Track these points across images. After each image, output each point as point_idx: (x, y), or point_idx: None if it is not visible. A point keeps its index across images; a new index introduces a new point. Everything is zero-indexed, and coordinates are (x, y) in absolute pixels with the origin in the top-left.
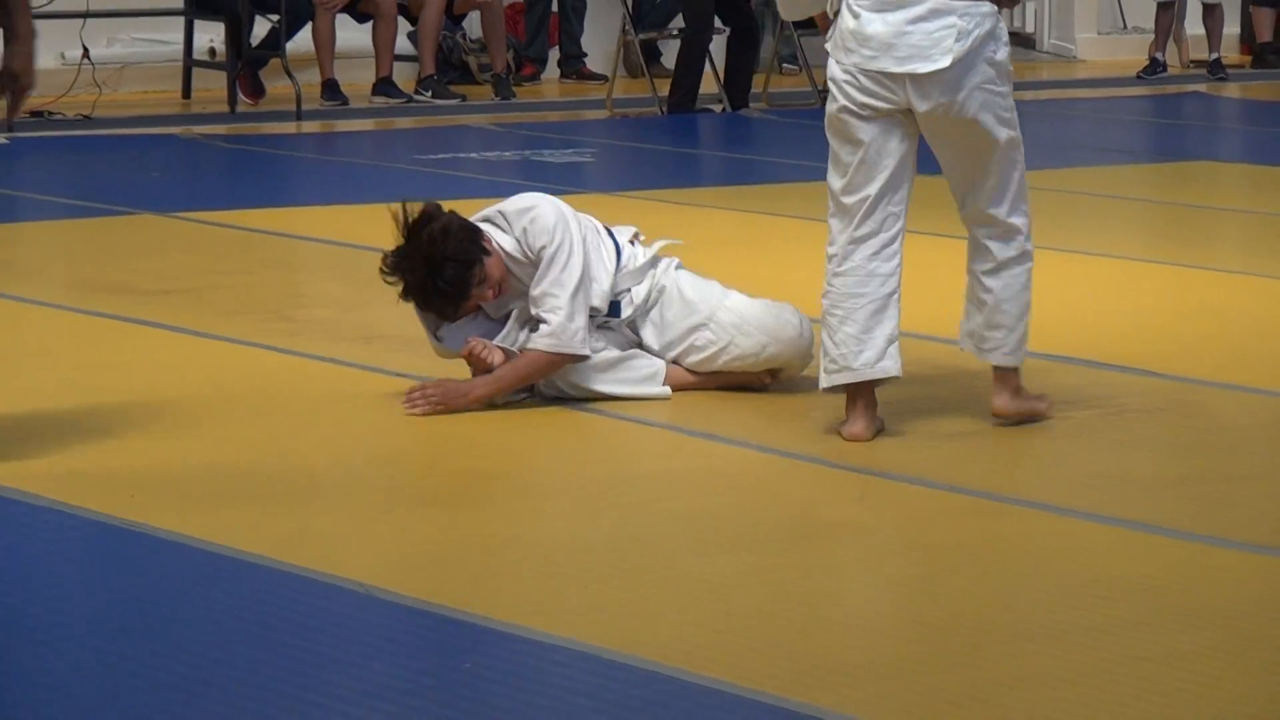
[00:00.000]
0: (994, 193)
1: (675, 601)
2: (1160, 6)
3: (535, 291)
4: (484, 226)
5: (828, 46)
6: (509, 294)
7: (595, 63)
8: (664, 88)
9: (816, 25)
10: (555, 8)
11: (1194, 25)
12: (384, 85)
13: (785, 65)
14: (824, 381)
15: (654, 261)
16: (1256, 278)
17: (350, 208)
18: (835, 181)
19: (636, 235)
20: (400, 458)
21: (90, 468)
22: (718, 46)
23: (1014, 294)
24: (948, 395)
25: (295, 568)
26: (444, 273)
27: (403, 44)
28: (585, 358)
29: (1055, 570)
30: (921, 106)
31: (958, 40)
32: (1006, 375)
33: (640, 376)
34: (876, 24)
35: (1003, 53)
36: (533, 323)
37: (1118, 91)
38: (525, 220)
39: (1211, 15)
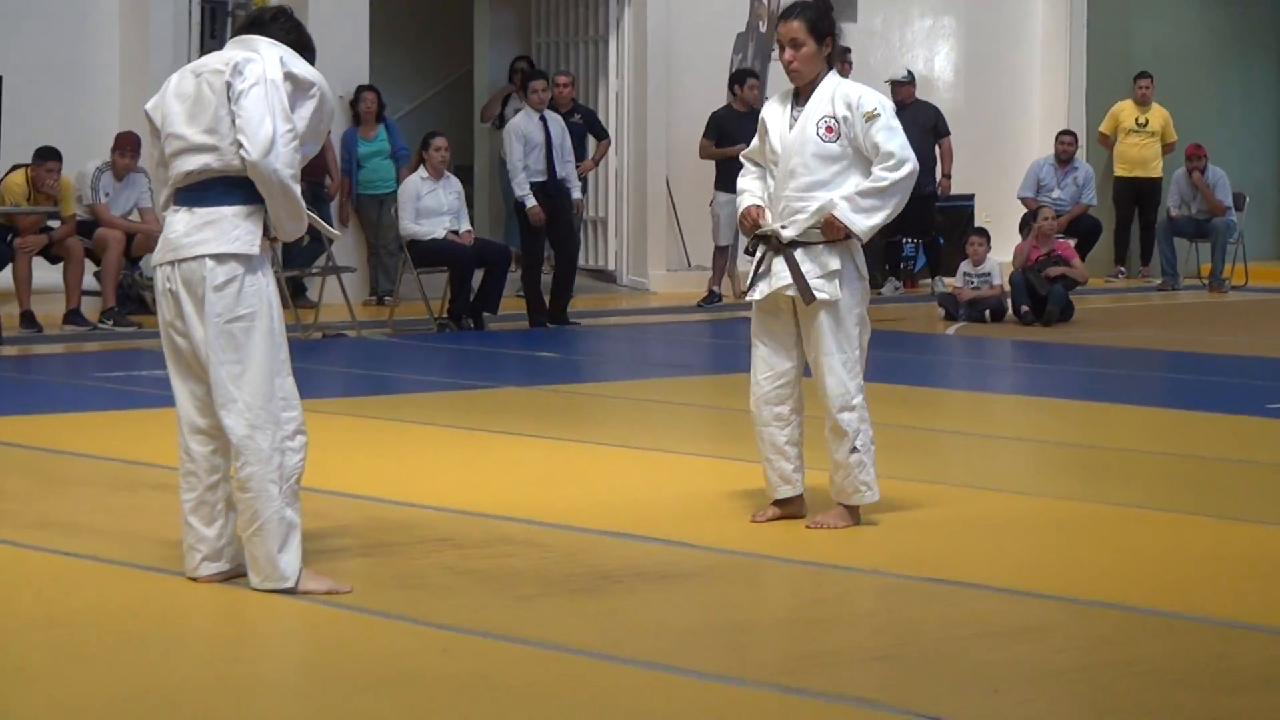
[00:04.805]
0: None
1: None
2: (717, 249)
3: None
4: None
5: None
6: None
7: None
8: (307, 317)
9: None
10: None
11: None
12: (73, 316)
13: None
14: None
15: None
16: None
17: (42, 417)
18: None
19: None
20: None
21: None
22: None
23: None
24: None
25: None
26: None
27: (89, 281)
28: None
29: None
30: None
31: None
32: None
33: None
34: None
35: None
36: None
37: (683, 318)
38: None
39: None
